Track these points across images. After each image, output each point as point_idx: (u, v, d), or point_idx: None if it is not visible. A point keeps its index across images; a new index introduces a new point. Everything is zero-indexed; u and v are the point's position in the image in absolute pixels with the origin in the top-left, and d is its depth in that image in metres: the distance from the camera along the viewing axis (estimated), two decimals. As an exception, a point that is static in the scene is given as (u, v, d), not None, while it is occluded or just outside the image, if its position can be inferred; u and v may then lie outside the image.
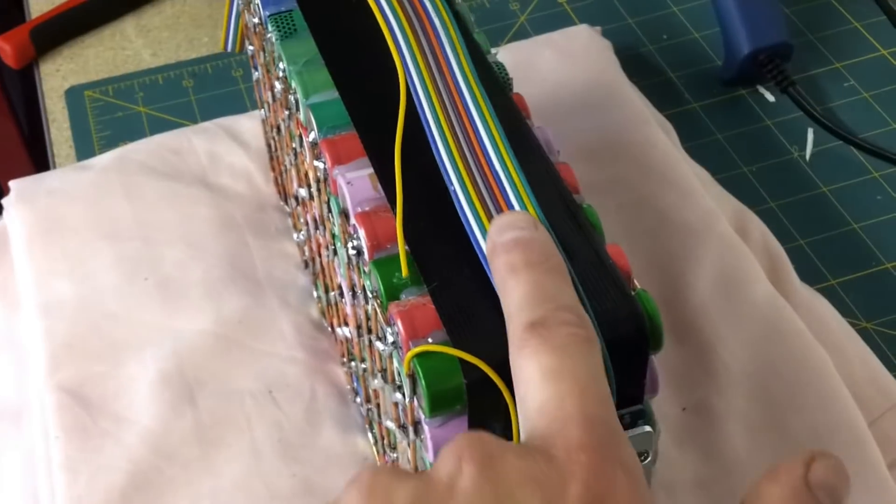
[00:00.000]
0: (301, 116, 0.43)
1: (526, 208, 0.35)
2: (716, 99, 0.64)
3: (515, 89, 0.43)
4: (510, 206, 0.35)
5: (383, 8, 0.42)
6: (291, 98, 0.43)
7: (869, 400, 0.47)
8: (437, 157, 0.37)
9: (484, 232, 0.34)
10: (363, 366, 0.43)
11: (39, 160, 0.77)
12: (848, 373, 0.48)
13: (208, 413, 0.48)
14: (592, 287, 0.33)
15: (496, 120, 0.38)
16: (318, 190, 0.43)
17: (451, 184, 0.36)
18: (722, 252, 0.51)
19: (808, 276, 0.54)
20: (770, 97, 0.63)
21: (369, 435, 0.47)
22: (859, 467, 0.44)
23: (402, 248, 0.35)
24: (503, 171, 0.36)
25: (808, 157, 0.60)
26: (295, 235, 0.55)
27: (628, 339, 0.33)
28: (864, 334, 0.51)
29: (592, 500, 0.26)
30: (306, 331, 0.52)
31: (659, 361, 0.48)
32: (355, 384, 0.48)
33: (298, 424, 0.48)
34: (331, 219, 0.42)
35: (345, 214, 0.39)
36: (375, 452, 0.47)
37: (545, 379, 0.29)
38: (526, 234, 0.33)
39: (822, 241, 0.56)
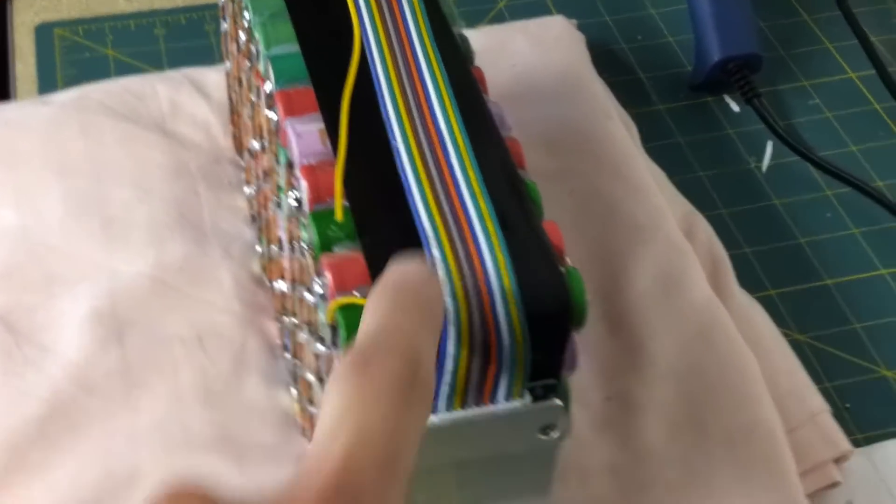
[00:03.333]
0: (261, 67, 0.42)
1: (467, 172, 0.35)
2: (682, 103, 0.64)
3: (485, 71, 0.42)
4: (451, 168, 0.35)
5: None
6: (253, 49, 0.43)
7: (790, 409, 0.48)
8: (383, 112, 0.37)
9: (422, 191, 0.34)
10: (294, 320, 0.43)
11: (5, 95, 0.76)
12: (774, 381, 0.48)
13: (135, 353, 0.48)
14: (523, 259, 0.33)
15: (448, 86, 0.38)
16: (269, 142, 0.43)
17: (395, 139, 0.36)
18: (666, 250, 0.52)
19: (749, 283, 0.54)
20: (735, 107, 0.64)
21: (293, 391, 0.47)
22: (771, 472, 0.45)
23: (338, 192, 0.35)
24: (448, 133, 0.36)
25: (764, 168, 0.61)
26: (246, 189, 0.55)
27: (551, 312, 0.33)
28: (797, 346, 0.52)
29: None
30: (245, 284, 0.51)
31: (589, 349, 0.49)
32: (286, 340, 0.48)
33: (224, 374, 0.48)
34: (277, 170, 0.42)
35: (290, 166, 0.39)
36: (298, 409, 0.47)
37: (330, 417, 0.25)
38: (416, 278, 0.30)
39: (767, 251, 0.57)
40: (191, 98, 0.60)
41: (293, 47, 0.42)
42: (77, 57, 0.66)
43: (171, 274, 0.51)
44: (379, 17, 0.40)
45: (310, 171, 0.37)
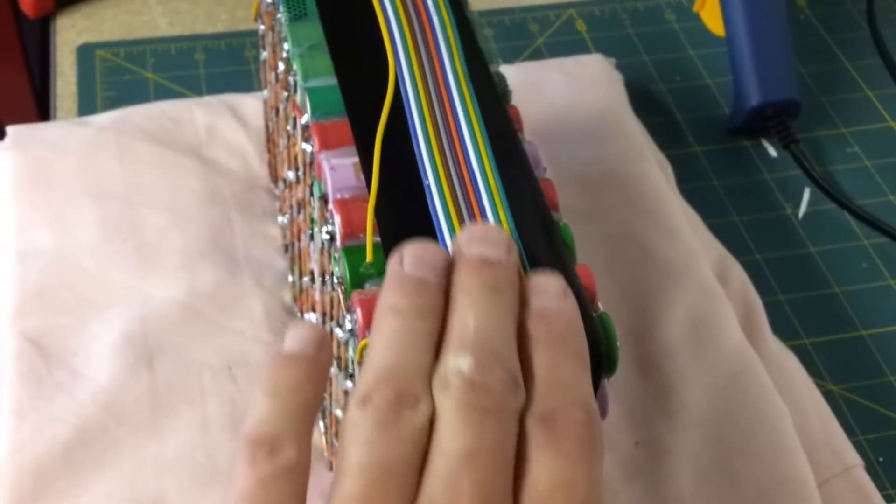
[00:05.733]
0: (297, 98, 0.43)
1: (498, 214, 0.35)
2: (719, 146, 0.64)
3: (521, 108, 0.42)
4: (482, 210, 0.35)
5: (385, 6, 0.42)
6: (291, 80, 0.43)
7: (822, 461, 0.47)
8: (415, 150, 0.37)
9: (452, 231, 0.34)
10: (323, 354, 0.43)
11: (45, 113, 0.77)
12: (805, 431, 0.48)
13: (164, 380, 0.48)
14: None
15: (482, 125, 0.38)
16: (304, 173, 0.43)
17: (426, 178, 0.36)
18: (699, 294, 0.51)
19: (783, 332, 0.54)
20: (773, 152, 0.63)
21: (320, 424, 0.47)
22: (803, 526, 0.44)
23: (369, 232, 0.35)
24: (481, 174, 0.36)
25: (801, 215, 0.60)
26: (280, 219, 0.55)
27: (582, 358, 0.32)
28: (830, 396, 0.51)
29: None
30: (276, 314, 0.51)
31: (619, 393, 0.49)
32: (315, 373, 0.47)
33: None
34: (311, 202, 0.42)
35: (324, 199, 0.39)
36: (324, 442, 0.46)
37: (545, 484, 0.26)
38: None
39: (802, 299, 0.56)
40: (227, 124, 0.60)
41: (331, 80, 0.42)
42: (117, 79, 0.66)
43: (202, 301, 0.51)
44: (415, 54, 0.40)
45: (343, 206, 0.37)
